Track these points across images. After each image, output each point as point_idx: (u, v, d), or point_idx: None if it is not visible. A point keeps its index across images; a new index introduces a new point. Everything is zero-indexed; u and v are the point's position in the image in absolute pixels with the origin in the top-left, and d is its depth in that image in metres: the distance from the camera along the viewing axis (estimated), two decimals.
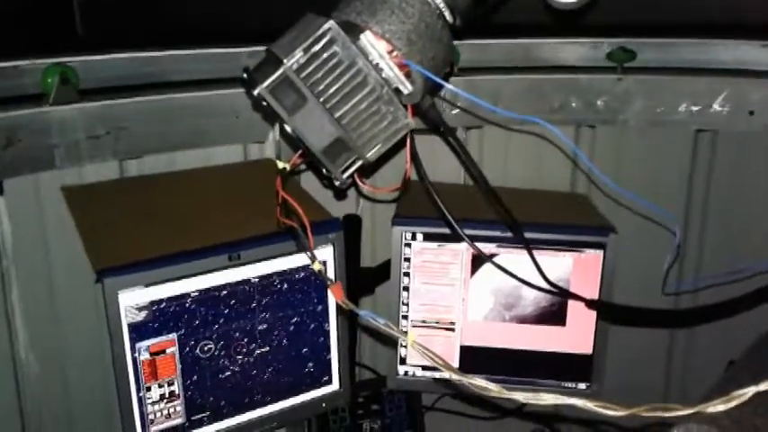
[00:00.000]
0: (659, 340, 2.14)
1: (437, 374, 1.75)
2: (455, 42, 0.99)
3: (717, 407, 0.69)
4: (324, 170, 0.97)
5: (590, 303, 1.64)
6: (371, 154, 0.96)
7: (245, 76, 0.94)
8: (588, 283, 1.70)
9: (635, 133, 1.94)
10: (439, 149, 1.69)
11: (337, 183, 0.98)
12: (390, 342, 1.77)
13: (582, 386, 1.77)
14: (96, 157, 1.58)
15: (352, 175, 0.98)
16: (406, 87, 0.95)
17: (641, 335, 2.07)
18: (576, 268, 1.70)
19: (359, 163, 0.97)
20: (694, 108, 1.84)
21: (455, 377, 0.80)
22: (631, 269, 1.83)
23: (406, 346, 1.76)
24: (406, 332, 1.71)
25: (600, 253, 1.69)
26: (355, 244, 1.83)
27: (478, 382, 0.78)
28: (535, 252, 1.37)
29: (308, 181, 1.71)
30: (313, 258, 0.98)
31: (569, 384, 1.77)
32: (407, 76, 0.94)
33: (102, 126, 1.57)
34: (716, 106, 1.82)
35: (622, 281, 1.75)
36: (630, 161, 1.96)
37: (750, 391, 0.69)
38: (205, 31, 1.73)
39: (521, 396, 0.77)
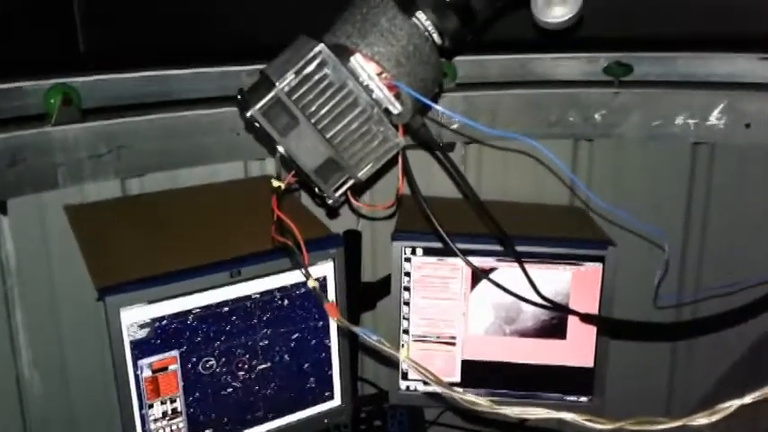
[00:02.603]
0: (661, 351, 2.13)
1: (439, 389, 1.75)
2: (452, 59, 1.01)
3: (701, 420, 0.70)
4: (316, 189, 0.99)
5: (585, 318, 1.64)
6: (363, 173, 0.98)
7: (239, 97, 0.96)
8: (588, 297, 1.70)
9: (633, 146, 1.95)
10: (437, 164, 1.71)
11: (330, 201, 0.99)
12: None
13: (583, 399, 1.77)
14: (99, 176, 1.60)
15: (344, 194, 1.00)
16: (396, 108, 0.96)
17: (643, 346, 2.07)
18: (575, 282, 1.70)
19: (351, 182, 0.99)
20: (691, 121, 1.84)
21: (446, 392, 0.81)
22: (631, 282, 1.83)
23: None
24: (403, 346, 1.72)
25: (599, 266, 1.69)
26: (356, 259, 1.84)
27: (468, 398, 0.79)
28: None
29: (309, 197, 1.72)
30: (308, 276, 0.99)
31: (571, 398, 1.78)
32: (397, 96, 0.96)
33: (104, 145, 1.59)
34: (713, 119, 1.83)
35: (623, 294, 1.75)
36: (629, 174, 1.97)
37: (734, 404, 0.70)
38: (205, 50, 1.76)
39: (509, 411, 0.77)
